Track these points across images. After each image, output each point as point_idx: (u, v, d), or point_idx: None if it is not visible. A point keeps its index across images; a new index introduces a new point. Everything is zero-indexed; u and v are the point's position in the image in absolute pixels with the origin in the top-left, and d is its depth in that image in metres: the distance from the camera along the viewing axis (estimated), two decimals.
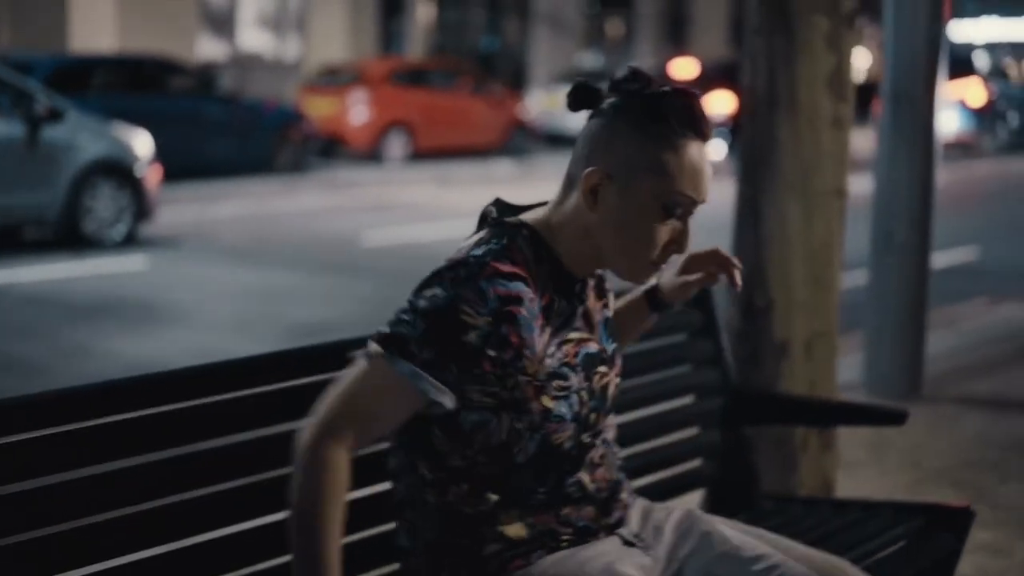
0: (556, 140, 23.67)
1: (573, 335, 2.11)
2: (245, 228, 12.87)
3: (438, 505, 2.07)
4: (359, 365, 1.98)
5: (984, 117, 27.09)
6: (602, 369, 2.16)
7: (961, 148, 25.92)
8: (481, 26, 28.44)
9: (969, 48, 40.36)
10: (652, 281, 2.44)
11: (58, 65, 15.37)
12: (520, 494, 2.06)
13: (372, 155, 19.70)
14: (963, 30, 44.47)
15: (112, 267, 10.29)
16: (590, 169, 2.03)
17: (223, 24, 23.51)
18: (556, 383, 2.05)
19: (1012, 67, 41.02)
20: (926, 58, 5.96)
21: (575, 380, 2.08)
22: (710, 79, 21.36)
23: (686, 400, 3.08)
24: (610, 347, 2.20)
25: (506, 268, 1.99)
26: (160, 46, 19.88)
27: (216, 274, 10.05)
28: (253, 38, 24.06)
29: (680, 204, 2.03)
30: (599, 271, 2.19)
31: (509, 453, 2.03)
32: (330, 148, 19.79)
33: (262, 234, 12.47)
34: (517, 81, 27.34)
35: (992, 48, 44.53)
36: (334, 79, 20.49)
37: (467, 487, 2.05)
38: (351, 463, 1.96)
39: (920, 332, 6.16)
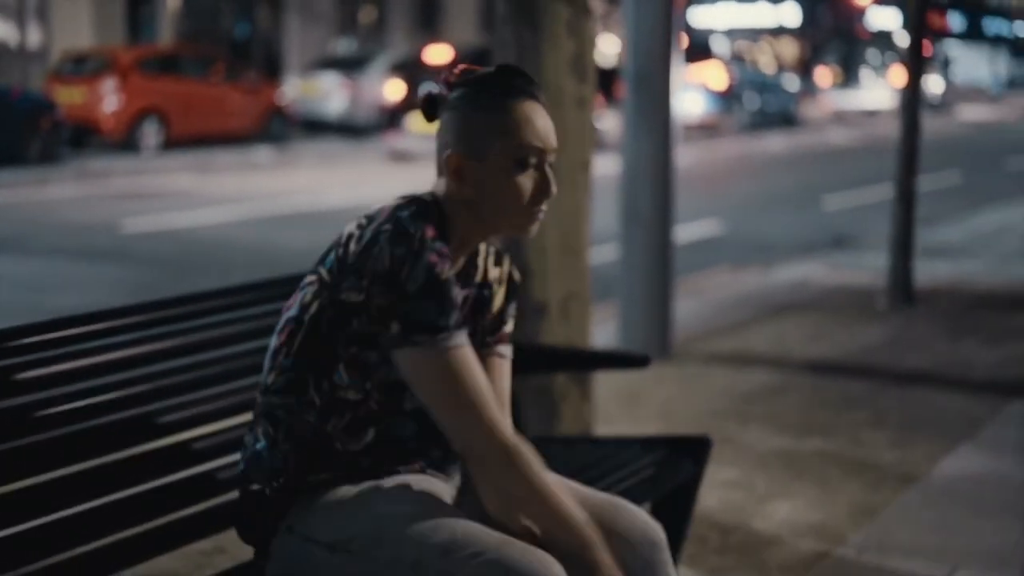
0: (313, 126, 23.76)
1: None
2: (1, 218, 12.60)
3: (314, 429, 2.27)
4: (428, 370, 2.17)
5: (726, 99, 28.32)
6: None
7: (705, 129, 27.08)
8: (232, 13, 28.18)
9: (708, 33, 42.00)
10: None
11: None
12: (393, 440, 2.30)
13: (126, 144, 19.40)
14: (702, 16, 46.30)
15: None
16: (448, 153, 2.28)
17: None
18: None
19: (749, 51, 42.86)
20: (662, 42, 6.39)
21: None
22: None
23: None
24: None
25: (431, 230, 2.20)
26: None
27: None
28: None
29: (530, 154, 2.27)
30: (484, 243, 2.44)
31: (402, 394, 2.27)
32: (82, 137, 19.40)
33: (17, 224, 12.24)
34: (271, 68, 27.23)
35: (730, 33, 46.50)
36: (82, 67, 20.09)
37: (349, 417, 2.26)
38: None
39: (666, 298, 6.61)
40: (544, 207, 2.33)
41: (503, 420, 2.21)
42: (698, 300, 8.22)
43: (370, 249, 2.17)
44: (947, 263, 9.75)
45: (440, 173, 2.33)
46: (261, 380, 2.35)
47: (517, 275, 2.54)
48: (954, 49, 56.21)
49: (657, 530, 2.41)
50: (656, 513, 3.19)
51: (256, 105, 21.51)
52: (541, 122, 2.30)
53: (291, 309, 2.30)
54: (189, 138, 20.19)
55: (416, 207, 2.26)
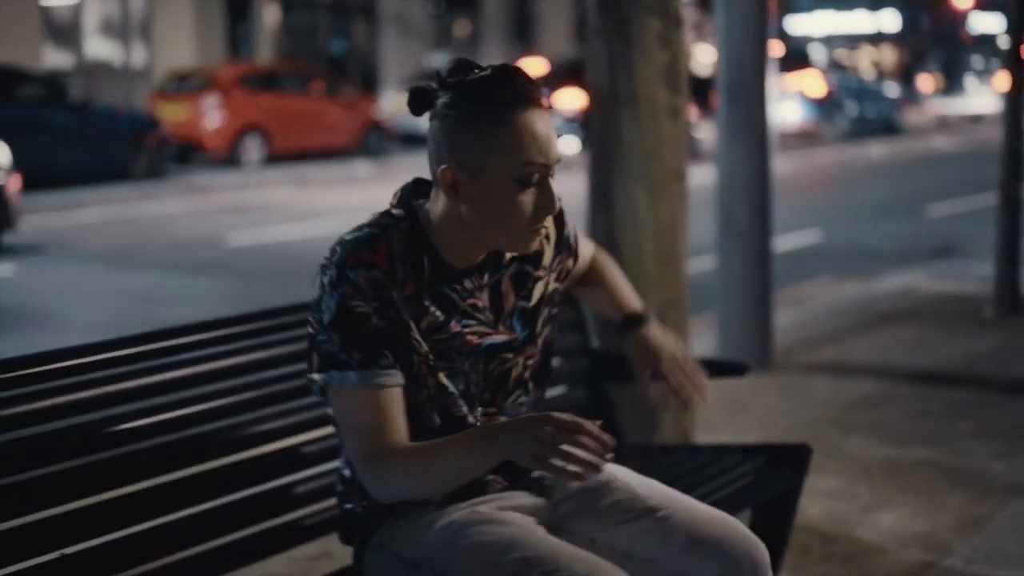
0: (411, 140, 23.92)
1: (473, 326, 2.25)
2: (108, 233, 12.89)
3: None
4: (332, 400, 2.17)
5: (825, 107, 28.03)
6: (507, 355, 2.31)
7: (804, 137, 26.82)
8: (328, 29, 28.54)
9: (806, 41, 41.60)
10: (639, 310, 2.63)
11: None
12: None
13: (229, 159, 19.73)
14: (799, 24, 45.89)
15: None
16: (442, 167, 2.13)
17: (67, 33, 23.26)
18: (444, 364, 2.23)
19: (847, 59, 42.39)
20: (755, 51, 6.35)
21: (467, 364, 2.26)
22: (559, 77, 21.83)
23: (554, 362, 3.38)
24: (522, 334, 2.33)
25: (364, 256, 2.13)
26: (3, 56, 19.62)
27: (82, 279, 10.10)
28: (99, 46, 23.84)
29: (533, 172, 2.12)
30: (513, 262, 2.32)
31: (420, 419, 2.24)
32: (186, 153, 19.77)
33: (125, 239, 12.50)
34: (368, 83, 27.50)
35: (828, 41, 46.02)
36: (185, 85, 20.46)
37: (439, 419, 2.26)
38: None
39: (767, 308, 6.57)
40: (547, 224, 2.23)
41: (392, 442, 2.14)
42: (799, 310, 8.15)
43: (318, 277, 2.19)
44: None
45: (433, 186, 2.22)
46: None
47: (568, 228, 2.44)
48: None
49: (762, 551, 2.33)
50: (757, 521, 3.19)
51: (354, 120, 21.74)
52: (543, 133, 2.12)
53: None
54: (289, 153, 20.48)
55: (367, 231, 2.18)
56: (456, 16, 31.36)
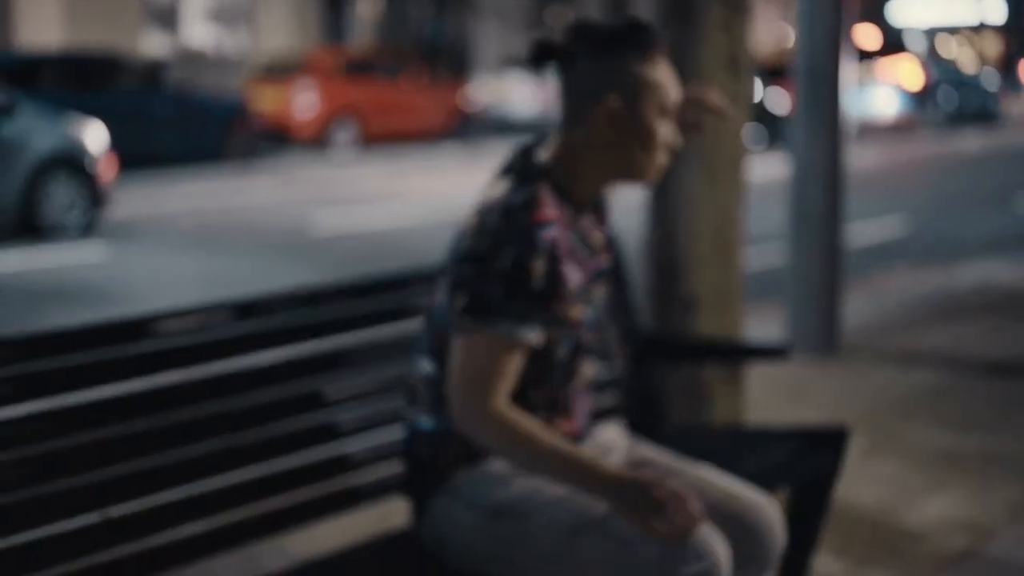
0: (502, 126, 24.09)
1: (584, 256, 2.46)
2: (198, 218, 13.17)
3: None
4: (465, 340, 2.28)
5: (921, 98, 27.67)
6: (602, 281, 2.57)
7: (900, 129, 26.51)
8: (426, 16, 28.76)
9: (903, 31, 41.02)
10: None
11: (5, 62, 15.61)
12: (548, 388, 2.43)
13: (322, 144, 20.00)
14: (903, 13, 45.25)
15: (70, 257, 10.58)
16: (607, 97, 2.37)
17: (167, 19, 23.73)
18: (581, 299, 2.43)
19: (947, 48, 41.72)
20: (831, 39, 6.38)
21: (595, 292, 2.50)
22: None
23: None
24: (607, 264, 2.59)
25: (547, 214, 2.32)
26: (105, 41, 20.07)
27: (172, 262, 10.36)
28: (198, 32, 24.28)
29: (671, 104, 2.42)
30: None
31: (550, 353, 2.40)
32: (279, 139, 20.07)
33: (215, 223, 12.77)
34: (462, 69, 27.68)
35: (930, 31, 45.30)
36: (281, 71, 20.77)
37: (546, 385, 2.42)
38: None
39: (835, 295, 6.58)
40: (668, 158, 2.46)
41: (500, 402, 2.27)
42: (876, 299, 8.13)
43: (476, 236, 2.31)
44: None
45: (569, 127, 2.42)
46: (422, 368, 2.47)
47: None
48: None
49: (780, 537, 2.52)
50: (795, 503, 3.25)
51: (446, 105, 21.92)
52: (671, 77, 2.43)
53: (436, 304, 2.44)
54: (382, 138, 20.70)
55: (523, 189, 2.34)
56: (552, 3, 31.43)
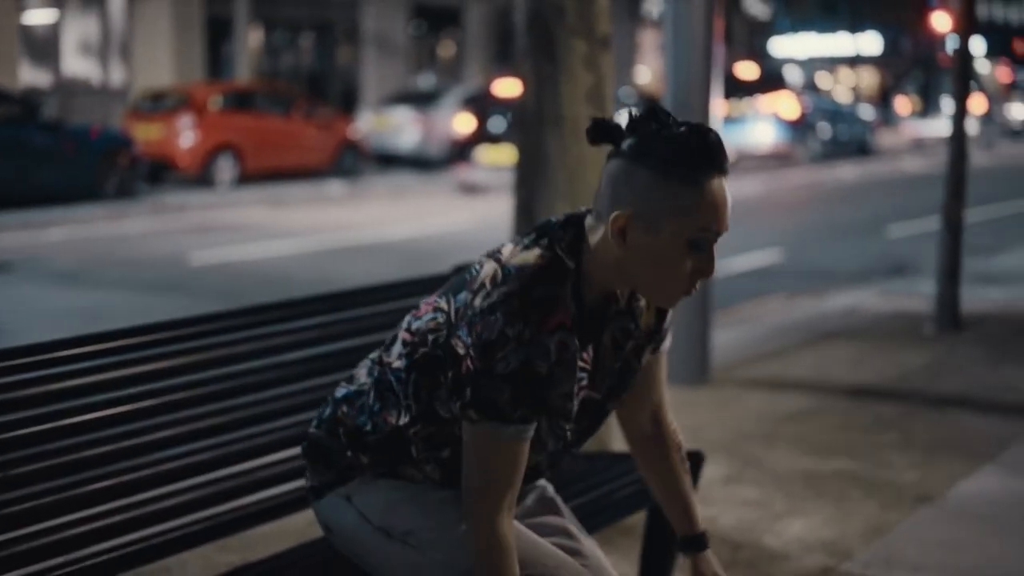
0: (387, 160, 24.10)
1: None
2: (75, 252, 12.99)
3: (397, 429, 2.32)
4: (473, 442, 2.20)
5: (798, 128, 28.23)
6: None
7: (778, 159, 27.03)
8: (310, 49, 28.72)
9: (782, 63, 41.90)
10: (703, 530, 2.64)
11: None
12: None
13: (202, 179, 19.83)
14: (779, 46, 46.21)
15: None
16: (616, 213, 2.14)
17: (46, 50, 23.40)
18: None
19: (825, 81, 42.66)
20: (701, 74, 6.53)
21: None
22: None
23: None
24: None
25: (557, 319, 2.16)
26: None
27: (46, 297, 10.21)
28: (77, 64, 23.98)
29: (706, 238, 2.15)
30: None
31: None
32: (159, 173, 19.86)
33: (92, 258, 12.61)
34: (348, 103, 27.66)
35: (806, 63, 46.31)
36: (161, 104, 20.58)
37: (434, 430, 2.31)
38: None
39: (705, 325, 6.71)
40: (698, 286, 2.23)
41: (503, 519, 2.22)
42: (748, 327, 8.30)
43: (488, 316, 2.15)
44: (1001, 290, 9.73)
45: (596, 217, 2.22)
46: (386, 350, 2.40)
47: (669, 314, 2.45)
48: None
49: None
50: (651, 524, 3.33)
51: (330, 140, 21.87)
52: (724, 201, 2.16)
53: (421, 319, 2.33)
54: (264, 173, 20.59)
55: (548, 283, 2.18)
56: (439, 37, 31.57)
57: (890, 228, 14.88)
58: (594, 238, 2.22)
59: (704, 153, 2.13)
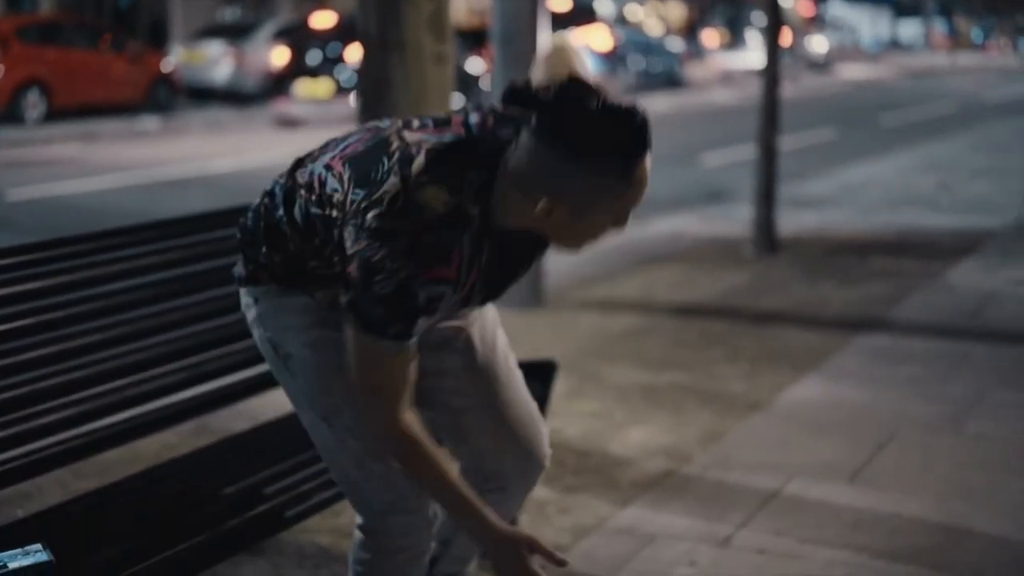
0: (200, 94, 23.66)
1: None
2: None
3: (299, 257, 2.36)
4: (356, 344, 2.20)
5: (610, 61, 28.66)
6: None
7: None
8: None
9: None
10: None
11: None
12: None
13: (9, 114, 19.21)
14: None
15: None
16: (543, 205, 2.12)
17: None
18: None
19: (635, 14, 43.25)
20: (528, 5, 6.66)
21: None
22: (348, 30, 21.88)
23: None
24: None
25: (437, 272, 2.14)
26: None
27: None
28: None
29: (630, 213, 2.19)
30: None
31: None
32: None
33: None
34: (156, 37, 27.02)
35: None
36: None
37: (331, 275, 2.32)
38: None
39: None
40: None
41: (401, 418, 2.24)
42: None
43: (374, 241, 2.13)
44: (813, 214, 10.17)
45: (524, 189, 2.15)
46: (303, 167, 2.40)
47: None
48: (838, 8, 57.28)
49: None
50: None
51: (142, 74, 21.38)
52: (648, 178, 2.15)
53: (328, 180, 2.29)
54: (74, 108, 20.04)
55: (443, 232, 2.15)
56: None
57: (704, 157, 15.31)
58: (508, 193, 2.18)
59: (636, 142, 2.10)
